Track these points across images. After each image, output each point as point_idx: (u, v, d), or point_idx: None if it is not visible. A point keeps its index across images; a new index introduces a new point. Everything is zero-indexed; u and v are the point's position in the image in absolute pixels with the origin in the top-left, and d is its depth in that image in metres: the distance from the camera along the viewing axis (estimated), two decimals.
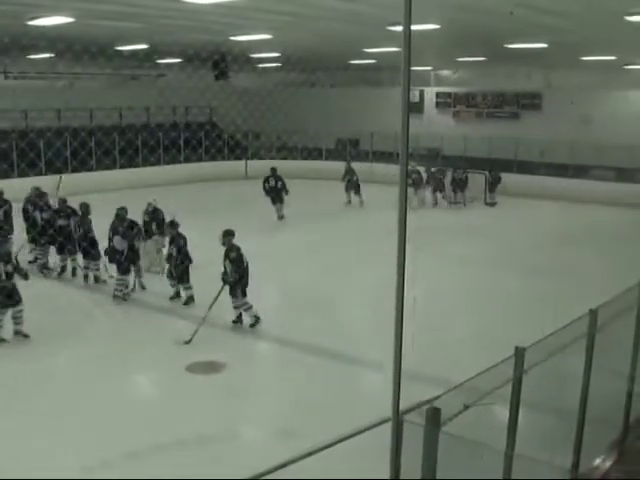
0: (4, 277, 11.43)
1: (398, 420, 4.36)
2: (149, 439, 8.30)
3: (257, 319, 12.37)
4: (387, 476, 4.71)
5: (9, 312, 11.57)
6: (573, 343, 6.02)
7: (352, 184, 25.83)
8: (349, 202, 25.82)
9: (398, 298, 4.21)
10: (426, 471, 4.60)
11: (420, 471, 4.60)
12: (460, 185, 26.10)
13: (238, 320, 12.47)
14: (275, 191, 22.87)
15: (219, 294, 11.99)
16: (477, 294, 14.13)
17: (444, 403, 4.62)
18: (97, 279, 15.07)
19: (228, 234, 12.22)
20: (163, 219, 15.33)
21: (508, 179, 26.83)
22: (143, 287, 14.44)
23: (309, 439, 4.97)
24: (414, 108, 32.48)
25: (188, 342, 11.47)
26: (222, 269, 12.12)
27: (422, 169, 25.76)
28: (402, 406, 4.74)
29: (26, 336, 11.62)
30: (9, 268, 11.49)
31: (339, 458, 5.26)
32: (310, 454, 4.48)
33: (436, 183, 26.17)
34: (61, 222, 15.39)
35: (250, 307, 12.34)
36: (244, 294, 12.22)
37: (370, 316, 12.65)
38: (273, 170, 23.37)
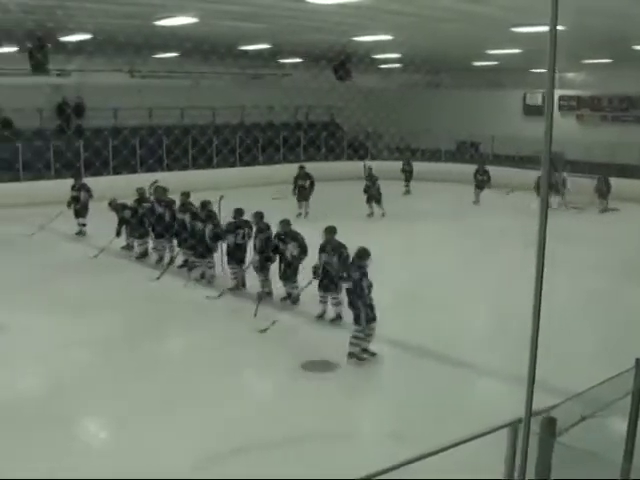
0: None
1: (529, 424, 4.25)
2: (262, 435, 8.34)
3: (340, 318, 12.46)
4: None
5: None
6: None
7: (373, 194, 23.32)
8: (371, 214, 23.20)
9: (535, 305, 4.10)
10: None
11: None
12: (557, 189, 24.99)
13: (338, 318, 12.55)
14: (303, 190, 22.92)
15: (306, 285, 12.32)
16: (597, 303, 13.70)
17: (560, 412, 4.50)
18: (203, 275, 15.24)
19: (331, 231, 12.32)
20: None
21: (633, 185, 25.92)
22: (244, 285, 14.60)
23: (420, 442, 4.92)
24: (536, 111, 31.82)
25: (264, 331, 11.72)
26: (317, 264, 12.26)
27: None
28: (517, 414, 4.65)
29: None
30: None
31: (452, 462, 5.18)
32: (425, 456, 4.43)
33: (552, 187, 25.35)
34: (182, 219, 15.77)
35: (340, 303, 12.39)
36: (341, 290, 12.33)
37: (484, 319, 12.44)
38: (301, 168, 23.45)
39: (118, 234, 17.21)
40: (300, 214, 22.05)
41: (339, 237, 12.32)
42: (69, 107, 27.53)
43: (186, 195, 16.03)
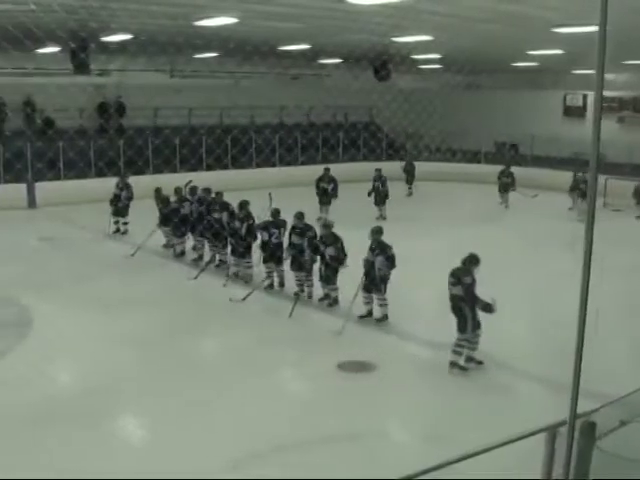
0: None
1: (573, 428, 4.22)
2: (298, 435, 8.37)
3: (386, 318, 12.47)
4: None
5: None
6: None
7: (381, 196, 22.72)
8: (381, 216, 22.06)
9: (581, 310, 4.08)
10: None
11: None
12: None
13: (367, 315, 12.58)
14: (325, 194, 22.07)
15: (360, 285, 12.17)
16: (638, 306, 13.54)
17: (599, 417, 4.46)
18: (237, 274, 15.29)
19: (377, 232, 12.31)
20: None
21: None
22: (282, 284, 14.64)
23: (458, 444, 4.90)
24: (576, 112, 31.58)
25: (339, 333, 11.63)
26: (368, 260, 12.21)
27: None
28: (555, 418, 4.62)
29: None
30: None
31: (490, 465, 5.15)
32: (464, 458, 4.41)
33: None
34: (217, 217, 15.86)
35: (387, 304, 12.41)
36: (386, 290, 12.34)
37: (524, 323, 12.34)
38: (326, 170, 22.70)
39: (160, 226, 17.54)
40: (320, 218, 20.51)
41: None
42: (110, 107, 27.79)
43: (220, 195, 16.13)
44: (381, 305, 12.47)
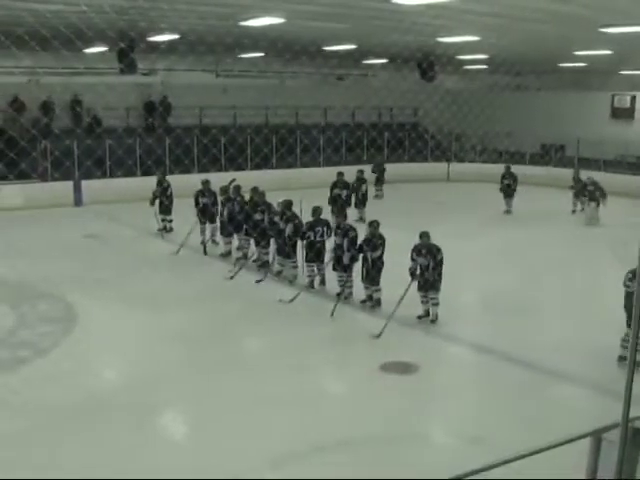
0: None
1: (626, 434, 4.18)
2: (339, 435, 8.36)
3: (437, 317, 12.46)
4: None
5: None
6: None
7: (358, 198, 21.74)
8: (360, 219, 20.22)
9: (636, 310, 4.03)
10: None
11: None
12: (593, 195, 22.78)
13: (425, 315, 12.54)
14: (339, 201, 19.85)
15: (407, 290, 12.08)
16: None
17: None
18: (279, 273, 15.33)
19: (425, 235, 12.29)
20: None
21: None
22: (323, 283, 14.62)
23: (500, 447, 4.87)
24: (623, 114, 31.17)
25: (378, 336, 11.58)
26: (410, 265, 12.22)
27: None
28: (597, 422, 4.58)
29: None
30: None
31: (532, 469, 5.12)
32: (508, 461, 4.38)
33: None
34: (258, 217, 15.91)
35: (438, 303, 12.39)
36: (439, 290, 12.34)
37: (570, 326, 12.26)
38: (339, 175, 20.91)
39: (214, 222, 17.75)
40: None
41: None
42: (157, 105, 28.04)
43: (262, 194, 16.20)
44: (434, 305, 12.46)
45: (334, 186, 20.76)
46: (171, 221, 19.60)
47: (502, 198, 23.72)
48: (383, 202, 24.95)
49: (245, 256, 16.40)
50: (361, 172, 22.57)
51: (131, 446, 7.94)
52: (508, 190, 23.79)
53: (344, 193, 20.61)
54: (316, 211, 14.52)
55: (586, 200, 22.29)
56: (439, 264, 12.16)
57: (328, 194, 20.29)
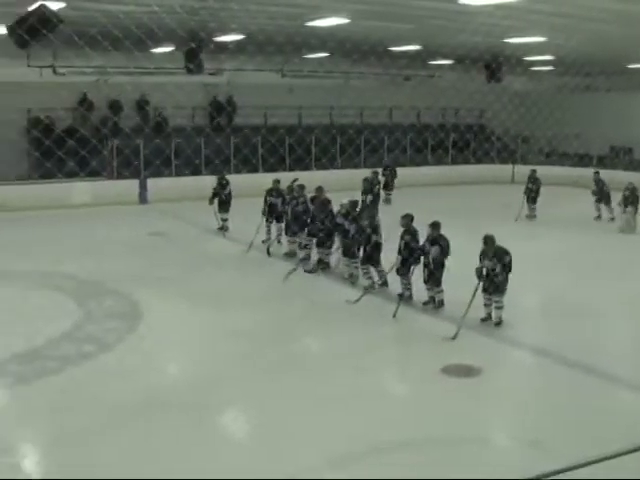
0: None
1: None
2: (398, 435, 8.34)
3: (501, 320, 12.29)
4: None
5: None
6: None
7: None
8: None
9: None
10: None
11: None
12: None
13: (488, 318, 12.39)
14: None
15: (475, 292, 11.96)
16: None
17: None
18: (352, 275, 15.19)
19: (490, 239, 12.16)
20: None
21: None
22: (385, 284, 14.49)
23: (561, 452, 4.81)
24: None
25: (454, 338, 11.50)
26: (481, 269, 12.05)
27: None
28: None
29: None
30: None
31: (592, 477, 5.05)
32: (570, 469, 4.32)
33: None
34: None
35: (503, 306, 12.24)
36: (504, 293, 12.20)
37: (632, 331, 12.06)
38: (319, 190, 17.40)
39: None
40: None
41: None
42: (223, 105, 28.29)
43: (321, 191, 16.22)
44: (498, 308, 12.32)
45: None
46: (226, 220, 19.76)
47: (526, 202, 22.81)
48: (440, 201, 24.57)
49: (308, 256, 16.43)
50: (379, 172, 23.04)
51: (191, 445, 7.99)
52: (530, 194, 22.79)
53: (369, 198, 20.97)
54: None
55: (622, 206, 21.06)
56: (506, 267, 11.99)
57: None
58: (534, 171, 23.31)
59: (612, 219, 22.03)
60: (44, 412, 8.79)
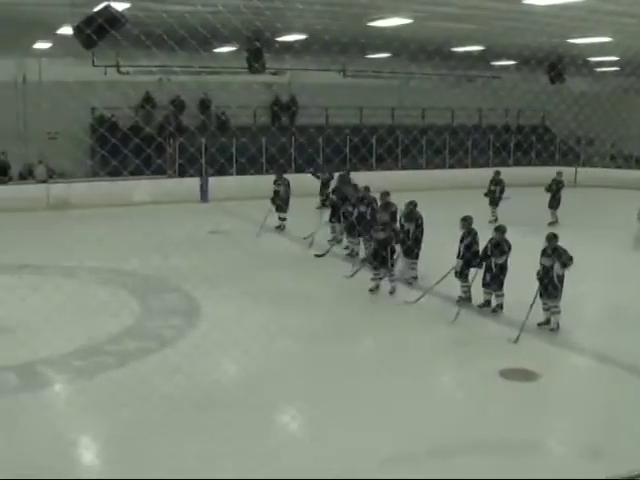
0: None
1: None
2: (451, 438, 8.33)
3: (559, 326, 12.13)
4: None
5: None
6: None
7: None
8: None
9: None
10: None
11: None
12: None
13: (545, 323, 12.24)
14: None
15: (536, 296, 11.84)
16: None
17: None
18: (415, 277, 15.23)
19: (553, 237, 12.01)
20: None
21: None
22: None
23: (619, 461, 4.73)
24: None
25: (515, 341, 11.45)
26: (539, 269, 11.96)
27: None
28: None
29: None
30: None
31: None
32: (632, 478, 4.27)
33: None
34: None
35: (560, 311, 12.07)
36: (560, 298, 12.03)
37: None
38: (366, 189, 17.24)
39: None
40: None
41: None
42: (285, 105, 28.39)
43: (386, 195, 16.21)
44: (555, 313, 12.17)
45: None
46: (284, 219, 19.91)
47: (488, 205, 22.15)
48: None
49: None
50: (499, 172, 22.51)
51: (247, 443, 8.05)
52: (492, 197, 22.12)
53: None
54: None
55: None
56: (564, 266, 11.78)
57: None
58: (498, 172, 22.73)
59: None
60: (104, 406, 8.93)
